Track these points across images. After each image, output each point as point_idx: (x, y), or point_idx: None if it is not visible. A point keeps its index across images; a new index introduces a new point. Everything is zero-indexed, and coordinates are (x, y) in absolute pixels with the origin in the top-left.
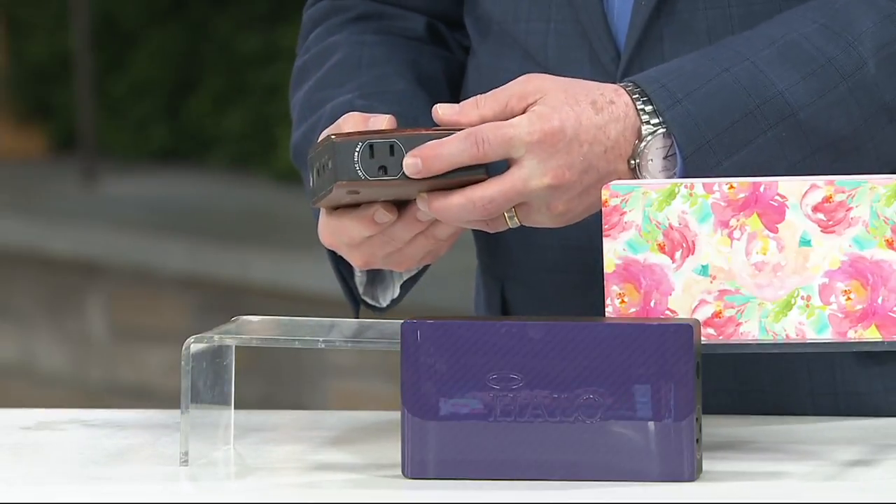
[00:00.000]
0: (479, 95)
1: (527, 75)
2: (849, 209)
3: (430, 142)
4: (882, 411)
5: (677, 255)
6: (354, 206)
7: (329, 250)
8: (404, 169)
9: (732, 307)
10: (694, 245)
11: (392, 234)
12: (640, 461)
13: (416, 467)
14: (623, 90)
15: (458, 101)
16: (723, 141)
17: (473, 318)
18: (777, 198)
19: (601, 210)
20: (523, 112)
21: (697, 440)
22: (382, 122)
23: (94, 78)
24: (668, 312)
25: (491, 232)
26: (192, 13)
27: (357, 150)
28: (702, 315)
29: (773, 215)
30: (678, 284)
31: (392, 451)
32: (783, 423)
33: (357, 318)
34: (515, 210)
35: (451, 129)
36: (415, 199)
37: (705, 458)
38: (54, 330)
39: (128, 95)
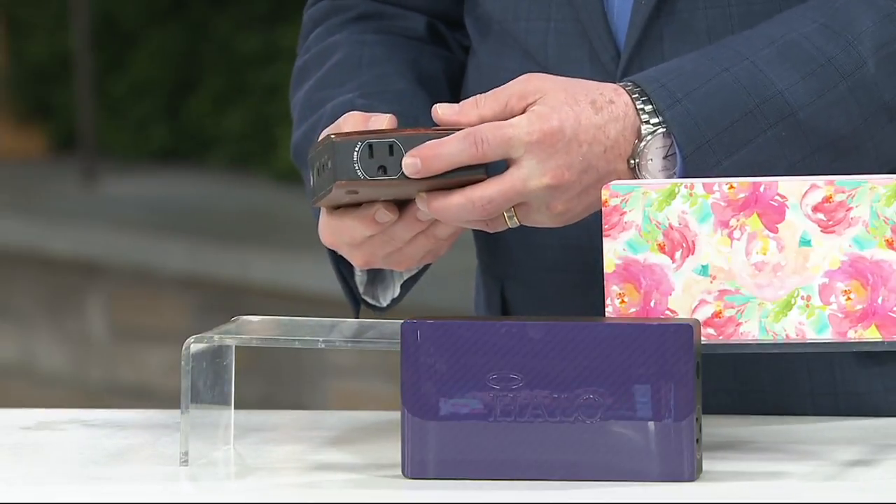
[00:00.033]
0: (478, 95)
1: (526, 75)
2: (849, 209)
3: (430, 142)
4: (882, 411)
5: (677, 255)
6: (355, 205)
7: (329, 250)
8: (403, 169)
9: (732, 307)
10: (694, 245)
11: (392, 233)
12: (640, 461)
13: (416, 467)
14: (623, 90)
15: (458, 101)
16: (722, 140)
17: (473, 318)
18: (777, 198)
19: (601, 210)
20: (523, 112)
21: (697, 440)
22: (383, 121)
23: (94, 78)
24: (668, 312)
25: (490, 232)
26: (192, 13)
27: (356, 149)
28: (702, 315)
29: (773, 215)
30: (678, 284)
31: (392, 451)
32: (783, 423)
33: (357, 317)
34: (515, 210)
35: (450, 129)
36: (415, 199)
37: (705, 458)
38: (54, 330)
39: (128, 95)
